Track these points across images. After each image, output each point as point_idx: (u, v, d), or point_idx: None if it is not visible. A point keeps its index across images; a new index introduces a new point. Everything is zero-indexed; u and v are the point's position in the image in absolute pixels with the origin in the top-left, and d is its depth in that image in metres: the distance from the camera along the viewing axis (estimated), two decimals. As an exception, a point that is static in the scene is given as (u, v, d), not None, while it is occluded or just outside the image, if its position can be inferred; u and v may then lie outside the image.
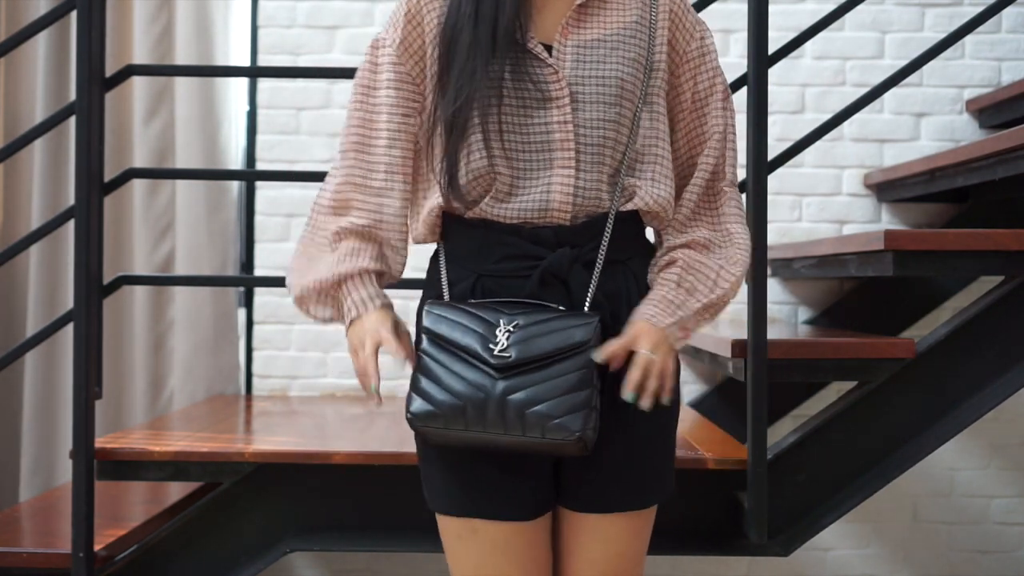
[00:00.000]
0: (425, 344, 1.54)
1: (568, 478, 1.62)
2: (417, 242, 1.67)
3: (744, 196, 2.03)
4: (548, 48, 1.58)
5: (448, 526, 1.62)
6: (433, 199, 1.61)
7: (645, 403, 1.52)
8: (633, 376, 1.51)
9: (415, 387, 1.52)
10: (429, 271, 1.67)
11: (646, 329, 1.54)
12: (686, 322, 1.58)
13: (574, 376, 1.49)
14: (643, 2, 1.63)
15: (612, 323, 1.57)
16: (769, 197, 2.35)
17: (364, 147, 1.63)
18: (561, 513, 1.64)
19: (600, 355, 1.51)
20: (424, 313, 1.56)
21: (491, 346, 1.50)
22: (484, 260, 1.59)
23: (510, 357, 1.49)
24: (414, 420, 1.51)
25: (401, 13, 1.62)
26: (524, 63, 1.55)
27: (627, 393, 1.51)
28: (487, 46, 1.53)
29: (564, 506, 1.64)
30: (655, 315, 1.55)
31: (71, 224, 2.61)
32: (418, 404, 1.51)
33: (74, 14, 2.15)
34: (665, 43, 1.63)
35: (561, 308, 1.54)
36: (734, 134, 1.67)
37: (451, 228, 1.63)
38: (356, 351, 1.59)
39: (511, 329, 1.50)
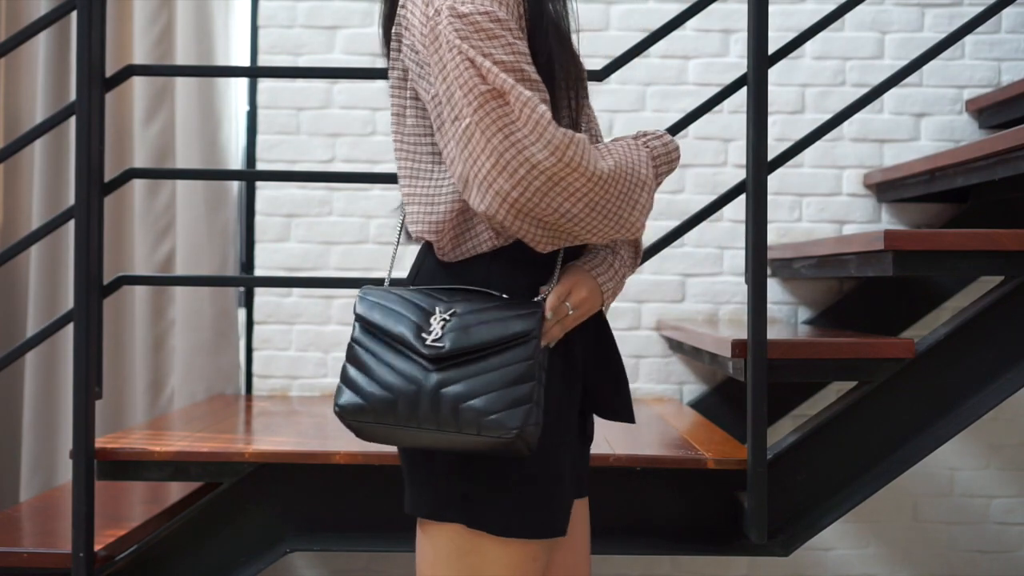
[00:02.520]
0: (357, 332, 1.44)
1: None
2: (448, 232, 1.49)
3: (744, 196, 2.03)
4: None
5: (526, 549, 1.44)
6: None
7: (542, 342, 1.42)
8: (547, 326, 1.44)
9: (344, 378, 1.42)
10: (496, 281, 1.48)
11: (584, 281, 1.48)
12: (618, 287, 1.54)
13: (514, 369, 1.37)
14: None
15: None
16: (769, 197, 2.35)
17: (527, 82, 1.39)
18: None
19: (547, 310, 1.42)
20: (358, 299, 1.46)
21: (424, 335, 1.39)
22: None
23: (443, 347, 1.38)
24: (342, 414, 1.41)
25: None
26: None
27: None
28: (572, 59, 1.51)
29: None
30: (601, 273, 1.51)
31: (71, 224, 2.61)
32: (346, 397, 1.40)
33: (74, 14, 2.15)
34: None
35: (504, 296, 1.44)
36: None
37: None
38: None
39: (447, 317, 1.40)
